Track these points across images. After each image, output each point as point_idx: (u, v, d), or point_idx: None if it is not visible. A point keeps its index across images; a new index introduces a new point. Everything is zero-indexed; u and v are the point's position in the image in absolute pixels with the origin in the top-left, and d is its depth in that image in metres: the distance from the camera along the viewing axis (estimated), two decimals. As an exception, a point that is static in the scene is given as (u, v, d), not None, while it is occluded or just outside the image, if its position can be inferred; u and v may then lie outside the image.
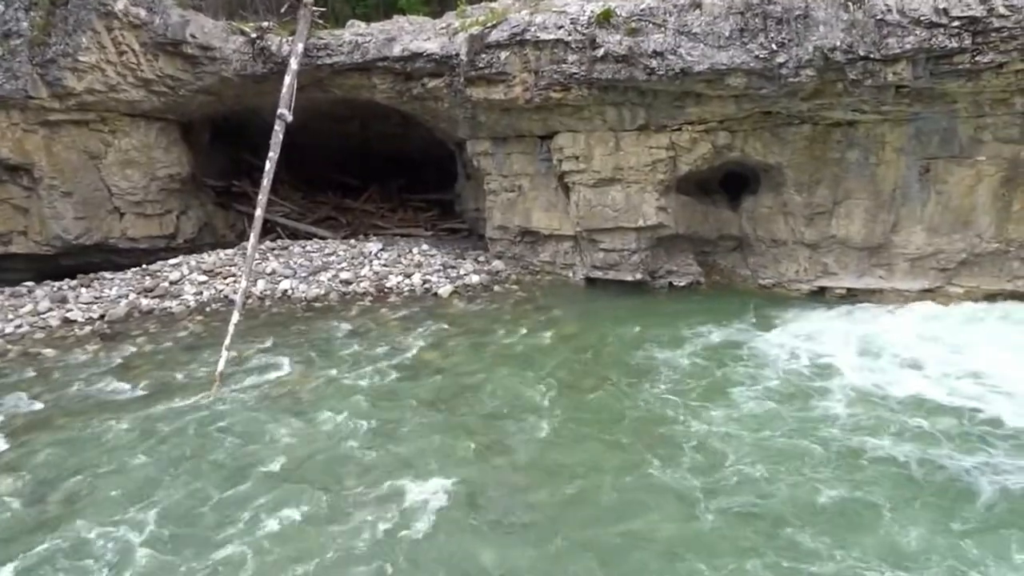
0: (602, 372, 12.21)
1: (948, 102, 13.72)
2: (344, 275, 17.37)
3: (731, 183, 16.95)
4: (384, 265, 18.08)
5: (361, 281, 17.17)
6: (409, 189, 23.90)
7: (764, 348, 12.85)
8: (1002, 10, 12.52)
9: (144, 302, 15.96)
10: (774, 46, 13.59)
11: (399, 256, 18.66)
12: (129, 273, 17.64)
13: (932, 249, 14.80)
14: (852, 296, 15.34)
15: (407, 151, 22.61)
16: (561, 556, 7.61)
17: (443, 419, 10.61)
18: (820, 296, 15.57)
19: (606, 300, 15.85)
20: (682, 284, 16.38)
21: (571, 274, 17.27)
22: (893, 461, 9.29)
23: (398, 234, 20.81)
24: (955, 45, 12.78)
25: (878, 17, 12.99)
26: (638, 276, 16.22)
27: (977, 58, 12.88)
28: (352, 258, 18.47)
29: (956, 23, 12.66)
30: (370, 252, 18.75)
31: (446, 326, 14.54)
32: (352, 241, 20.07)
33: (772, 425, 10.15)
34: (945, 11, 12.65)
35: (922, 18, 12.75)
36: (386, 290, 16.88)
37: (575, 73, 14.86)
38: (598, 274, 16.55)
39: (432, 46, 16.31)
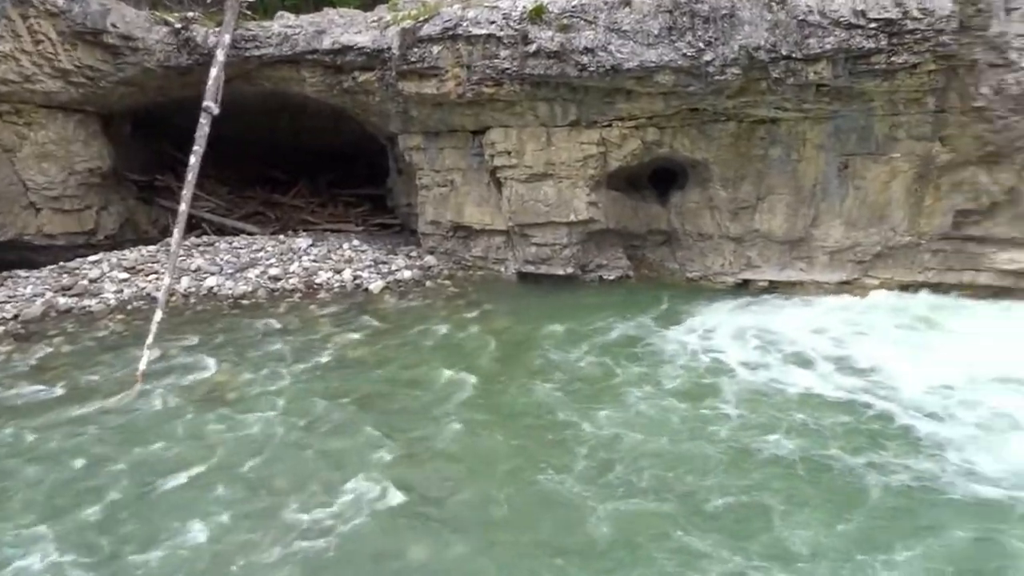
0: (525, 370, 12.26)
1: (865, 101, 14.24)
2: (273, 271, 17.04)
3: (660, 179, 17.23)
4: (314, 261, 17.80)
5: (290, 277, 16.86)
6: (340, 184, 23.56)
7: (665, 344, 13.02)
8: (916, 13, 13.07)
9: (61, 301, 15.32)
10: (701, 44, 13.88)
11: (329, 252, 18.40)
12: (45, 271, 16.91)
13: (850, 242, 15.35)
14: (774, 288, 15.82)
15: (338, 145, 22.27)
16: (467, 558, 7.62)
17: (372, 417, 10.53)
18: (744, 288, 16.00)
19: (537, 295, 15.96)
20: (612, 278, 16.62)
21: (503, 269, 17.32)
22: (783, 461, 9.43)
23: (328, 230, 20.51)
24: (872, 46, 13.29)
25: (800, 18, 13.41)
26: (569, 270, 16.38)
27: (892, 59, 13.42)
28: (281, 254, 18.12)
29: (873, 25, 13.17)
30: (299, 248, 18.43)
31: (377, 322, 14.43)
32: (281, 237, 19.69)
33: (666, 426, 10.21)
34: (863, 13, 13.13)
35: (841, 19, 13.22)
36: (316, 286, 16.63)
37: (507, 68, 14.89)
38: (530, 268, 16.64)
39: (363, 39, 16.11)
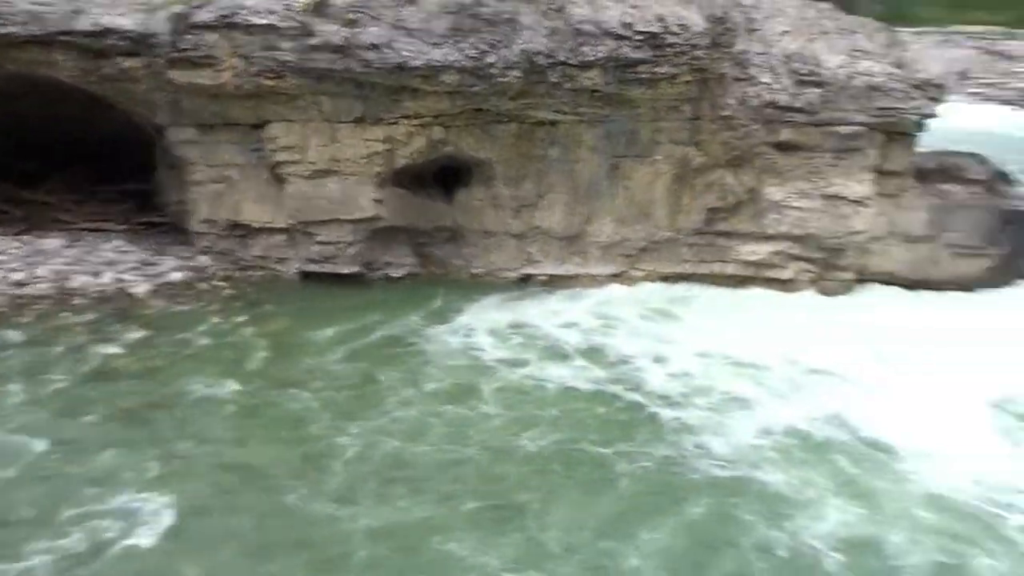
0: (290, 376, 12.05)
1: (633, 107, 15.44)
2: (16, 276, 15.17)
3: (446, 176, 17.44)
4: (68, 264, 16.02)
5: (38, 282, 15.09)
6: (101, 179, 21.26)
7: (429, 344, 13.40)
8: (675, 28, 14.43)
9: None
10: (484, 47, 14.28)
11: (87, 253, 16.65)
12: None
13: (620, 237, 16.57)
14: (553, 282, 16.66)
15: (98, 136, 20.07)
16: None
17: (134, 432, 9.79)
18: (526, 283, 16.70)
19: (319, 295, 15.58)
20: (398, 275, 16.61)
21: (285, 269, 16.64)
22: (539, 458, 10.04)
23: (87, 229, 18.44)
24: (638, 56, 14.46)
25: (575, 26, 14.26)
26: (355, 269, 16.16)
27: (655, 69, 14.69)
28: (26, 256, 16.13)
29: (639, 37, 14.34)
30: (50, 249, 16.50)
31: (141, 330, 13.48)
32: (27, 237, 17.45)
33: (425, 431, 10.50)
34: (631, 25, 14.26)
35: (611, 30, 14.25)
36: (70, 292, 15.01)
37: (289, 61, 14.33)
38: (314, 268, 16.19)
39: (127, 22, 14.69)
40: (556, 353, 13.22)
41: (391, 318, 14.32)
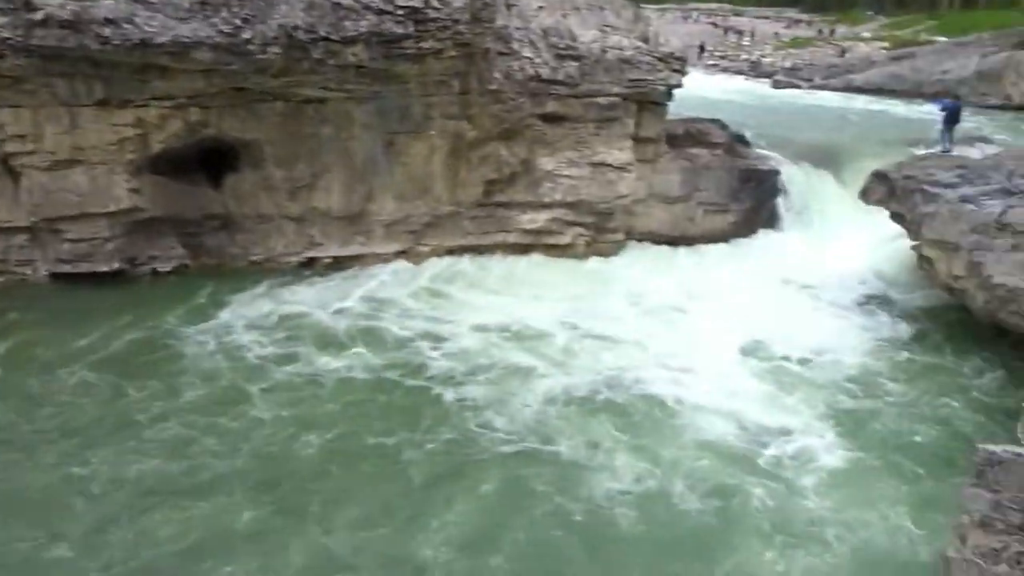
0: (35, 394, 11.00)
1: (402, 83, 15.37)
2: None
3: (212, 161, 16.51)
4: None
5: None
6: None
7: (188, 347, 12.54)
8: (435, 3, 14.46)
9: None
10: (238, 21, 13.56)
11: None
12: None
13: (402, 214, 16.57)
14: (339, 263, 16.39)
15: None
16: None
17: None
18: (309, 266, 16.30)
19: (74, 298, 14.30)
20: (167, 269, 15.57)
21: (31, 271, 15.02)
22: (319, 459, 9.56)
23: None
24: (402, 31, 14.36)
25: (334, 1, 13.89)
26: (116, 265, 14.96)
27: (420, 44, 14.67)
28: None
29: (401, 11, 14.22)
30: None
31: None
32: None
33: (183, 453, 9.66)
34: (391, 0, 14.10)
35: (372, 4, 14.03)
36: None
37: (8, 39, 12.80)
38: (66, 268, 14.78)
39: None
40: (330, 343, 12.77)
41: (147, 319, 13.26)
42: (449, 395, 11.35)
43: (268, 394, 11.00)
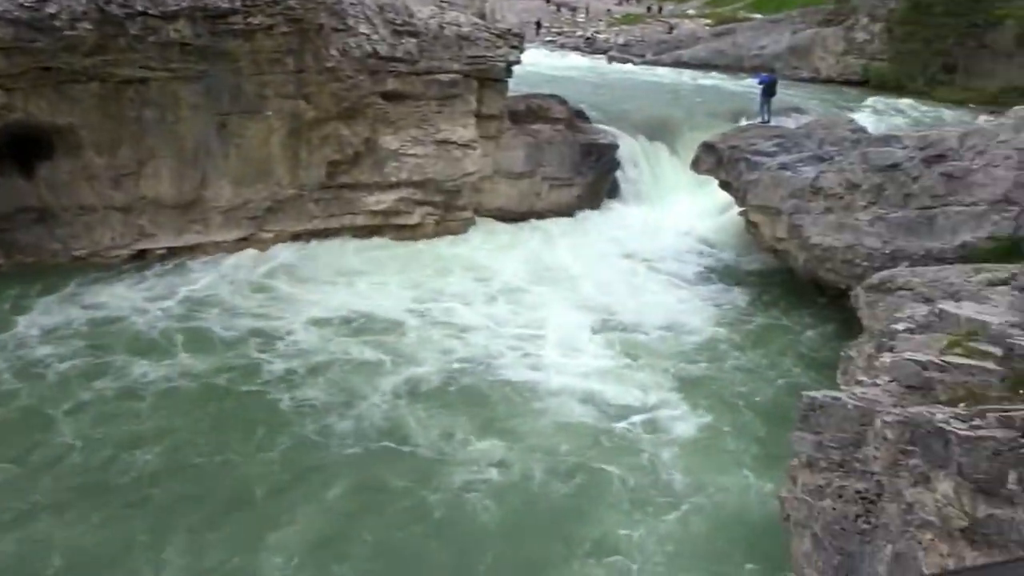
0: None
1: (231, 60, 14.63)
2: None
3: (22, 147, 15.05)
4: None
5: None
6: None
7: None
8: (272, -24, 13.83)
9: None
10: (41, -6, 12.42)
11: None
12: None
13: (241, 200, 15.85)
14: (174, 254, 15.48)
15: None
16: None
17: None
18: (141, 259, 15.29)
19: None
20: (-24, 269, 14.12)
21: None
22: (138, 489, 8.67)
23: None
24: (228, 6, 13.67)
25: (150, -28, 13.01)
26: (-84, 267, 13.41)
27: (249, 20, 14.04)
28: None
29: (224, -14, 13.52)
30: None
31: None
32: None
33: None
34: (209, -27, 13.36)
35: (193, -23, 13.24)
36: None
37: None
38: None
39: None
40: (148, 349, 11.55)
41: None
42: (286, 400, 10.53)
43: (75, 415, 9.78)
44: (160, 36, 13.51)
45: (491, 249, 16.88)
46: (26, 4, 12.39)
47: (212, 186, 15.60)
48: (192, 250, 15.65)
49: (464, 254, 16.60)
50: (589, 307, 14.08)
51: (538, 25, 53.03)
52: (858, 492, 5.62)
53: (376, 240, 16.97)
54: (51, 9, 12.53)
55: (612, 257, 16.59)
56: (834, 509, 5.65)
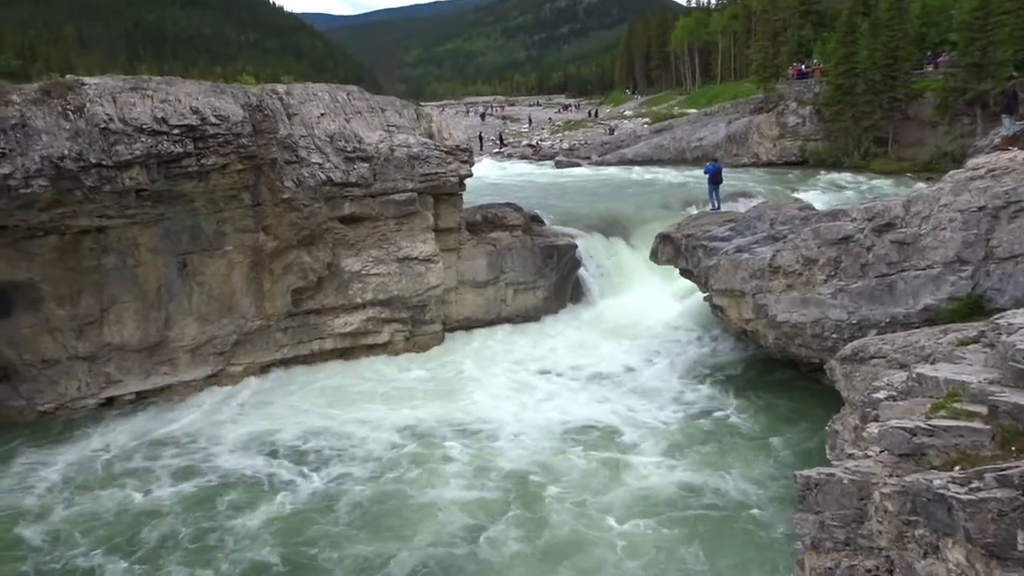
0: None
1: (188, 201, 14.77)
2: None
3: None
4: None
5: None
6: None
7: None
8: (213, 119, 14.17)
9: None
10: (-5, 155, 12.50)
11: None
12: None
13: (207, 336, 15.66)
14: (143, 398, 15.14)
15: None
16: None
17: None
18: (110, 406, 14.91)
19: None
20: (-63, 434, 13.58)
21: None
22: None
23: None
24: (181, 150, 13.89)
25: (102, 126, 13.23)
26: None
27: (203, 161, 14.26)
28: None
29: (177, 130, 13.79)
30: None
31: None
32: None
33: None
34: (164, 120, 13.65)
35: (144, 126, 13.49)
36: None
37: None
38: None
39: None
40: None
41: None
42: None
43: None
44: (115, 185, 13.61)
45: (453, 363, 16.91)
46: (-19, 167, 12.43)
47: (176, 326, 15.43)
48: (161, 392, 15.32)
49: (427, 371, 16.66)
50: (575, 417, 13.77)
51: (481, 139, 54.86)
52: (868, 571, 5.49)
53: (348, 364, 16.85)
54: (4, 170, 12.58)
55: (589, 356, 16.71)
56: (848, 591, 5.49)
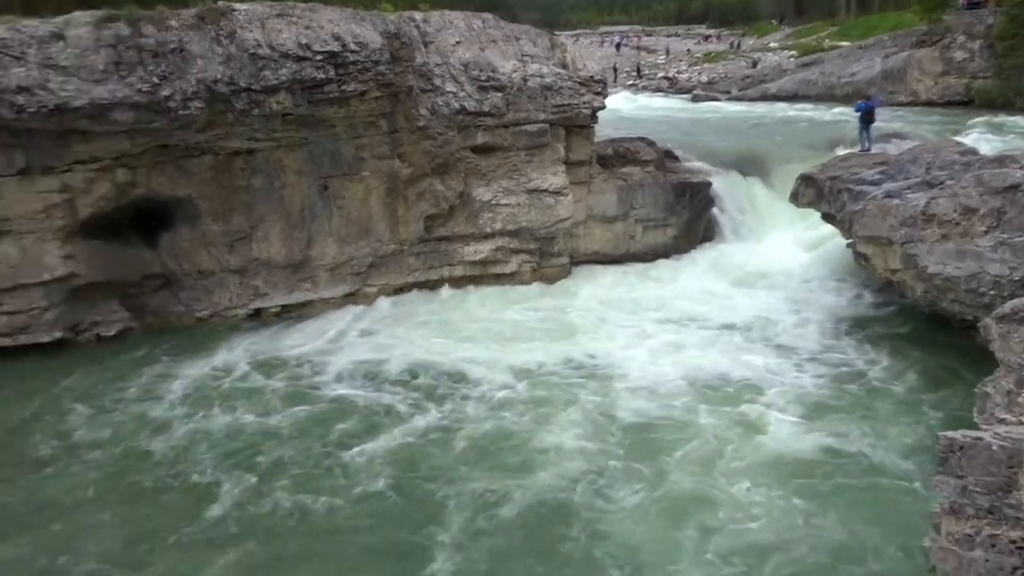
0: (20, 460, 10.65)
1: (329, 126, 15.31)
2: None
3: (146, 220, 16.11)
4: None
5: None
6: None
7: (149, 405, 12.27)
8: (353, 46, 14.50)
9: None
10: (156, 79, 13.35)
11: None
12: None
13: (345, 257, 16.40)
14: (287, 312, 16.12)
15: None
16: None
17: None
18: (257, 318, 15.98)
19: (19, 370, 13.63)
20: (112, 333, 15.03)
21: (-34, 348, 14.37)
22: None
23: None
24: (323, 76, 14.34)
25: (251, 51, 13.81)
26: (57, 335, 14.38)
27: (343, 87, 14.68)
28: None
29: (319, 57, 14.22)
30: None
31: None
32: None
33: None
34: (308, 46, 14.09)
35: (290, 52, 13.99)
36: None
37: (-82, 112, 12.35)
38: (6, 342, 14.14)
39: None
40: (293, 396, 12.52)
41: (91, 387, 12.89)
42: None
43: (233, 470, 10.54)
44: (263, 108, 14.25)
45: (585, 296, 16.91)
46: (144, 90, 13.30)
47: (318, 246, 16.22)
48: (303, 307, 16.26)
49: (556, 302, 16.72)
50: (705, 365, 13.36)
51: (615, 70, 53.38)
52: (1013, 542, 5.19)
53: (471, 291, 17.23)
54: (166, 92, 13.42)
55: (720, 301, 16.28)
56: (987, 561, 5.22)
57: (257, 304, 16.15)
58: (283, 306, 16.23)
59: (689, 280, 17.38)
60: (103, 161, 14.09)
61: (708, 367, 13.07)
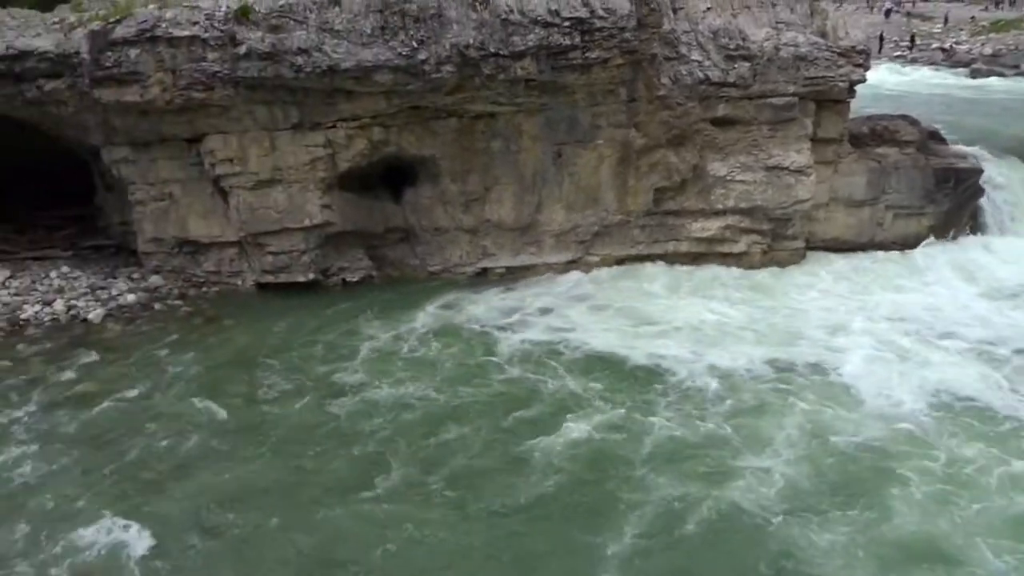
0: (283, 385, 12.03)
1: (569, 93, 15.50)
2: (-38, 311, 14.81)
3: (392, 176, 17.42)
4: (15, 294, 15.73)
5: (-13, 315, 14.77)
6: (39, 205, 20.94)
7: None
8: (601, 12, 14.50)
9: None
10: (415, 43, 14.25)
11: (34, 282, 16.35)
12: None
13: (571, 224, 16.66)
14: (511, 274, 16.73)
15: (31, 162, 19.76)
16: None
17: (105, 456, 9.69)
18: (483, 277, 16.75)
19: (280, 304, 15.47)
20: (355, 279, 16.54)
21: (240, 282, 16.50)
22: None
23: (30, 258, 18.18)
24: (568, 42, 14.51)
25: (503, 17, 14.29)
26: (311, 276, 16.06)
27: (587, 54, 14.76)
28: (-31, 290, 15.78)
29: (567, 23, 14.39)
30: (-6, 281, 16.18)
31: (100, 354, 13.24)
32: (-33, 270, 17.10)
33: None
34: (557, 12, 14.31)
35: (539, 18, 14.30)
36: (22, 322, 14.76)
37: (217, 72, 14.15)
38: (269, 279, 16.07)
39: (44, 43, 14.40)
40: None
41: (343, 324, 14.35)
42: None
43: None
44: (508, 74, 14.72)
45: (828, 281, 15.87)
46: (403, 53, 14.26)
47: (546, 211, 16.61)
48: (526, 270, 16.80)
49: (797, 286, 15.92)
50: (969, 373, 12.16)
51: (881, 39, 48.56)
52: None
53: (700, 268, 16.76)
54: (422, 56, 14.29)
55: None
56: None
57: (484, 264, 16.90)
58: (508, 267, 16.85)
59: (943, 282, 15.63)
60: (362, 119, 15.34)
61: (958, 388, 11.47)
